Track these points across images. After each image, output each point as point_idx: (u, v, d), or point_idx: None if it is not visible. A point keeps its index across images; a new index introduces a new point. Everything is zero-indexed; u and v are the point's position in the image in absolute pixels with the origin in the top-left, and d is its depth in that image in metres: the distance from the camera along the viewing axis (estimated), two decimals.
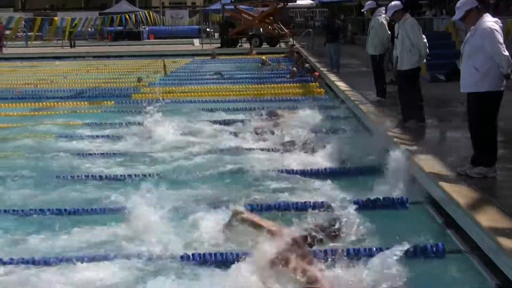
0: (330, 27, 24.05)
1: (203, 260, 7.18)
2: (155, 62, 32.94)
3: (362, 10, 21.27)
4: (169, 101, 18.02)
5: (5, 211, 9.09)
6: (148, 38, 54.51)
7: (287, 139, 13.13)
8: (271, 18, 42.63)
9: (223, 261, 7.10)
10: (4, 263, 7.20)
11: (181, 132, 14.31)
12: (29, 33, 49.83)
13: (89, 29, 46.73)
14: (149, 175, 10.92)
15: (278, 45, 41.21)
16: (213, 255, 7.23)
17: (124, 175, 10.92)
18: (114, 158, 12.47)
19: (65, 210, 9.03)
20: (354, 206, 8.13)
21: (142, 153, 12.80)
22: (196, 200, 9.35)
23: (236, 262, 6.79)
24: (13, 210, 9.10)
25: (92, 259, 7.24)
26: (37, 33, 48.71)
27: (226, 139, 13.74)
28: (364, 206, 8.67)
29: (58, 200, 9.64)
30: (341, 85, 19.53)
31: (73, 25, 45.31)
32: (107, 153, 12.82)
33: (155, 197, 8.66)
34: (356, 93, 17.54)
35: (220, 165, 11.54)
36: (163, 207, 8.42)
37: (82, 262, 7.11)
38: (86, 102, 19.83)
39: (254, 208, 8.72)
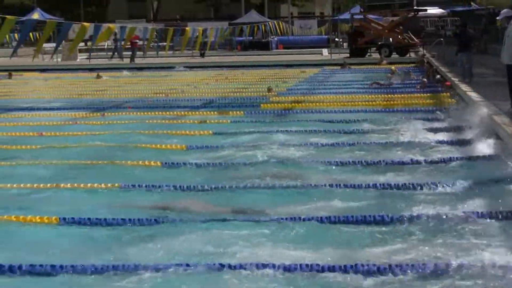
0: (462, 36, 23.44)
1: None
2: (283, 71, 33.10)
3: (497, 18, 20.59)
4: (299, 111, 17.97)
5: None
6: (277, 48, 54.76)
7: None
8: (400, 27, 42.06)
9: None
10: None
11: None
12: (160, 43, 51.14)
13: (216, 39, 47.32)
14: None
15: (408, 55, 40.54)
16: None
17: None
18: None
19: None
20: None
21: None
22: None
23: None
24: None
25: None
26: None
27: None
28: None
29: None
30: (474, 95, 18.92)
31: (204, 35, 46.06)
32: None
33: None
34: (490, 103, 16.93)
35: None
36: None
37: None
38: (215, 112, 20.04)
39: None
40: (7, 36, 49.53)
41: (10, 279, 7.20)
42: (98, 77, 33.10)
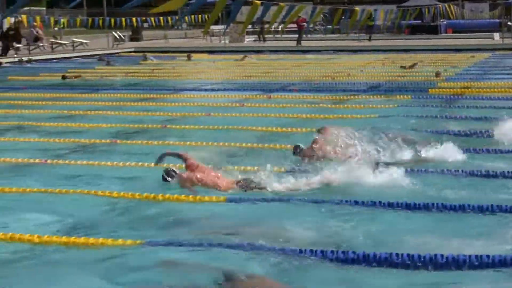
0: None
1: None
2: (452, 56, 32.16)
3: None
4: (468, 97, 17.31)
5: None
6: (446, 32, 53.33)
7: None
8: None
9: None
10: None
11: None
12: (325, 26, 51.14)
13: (385, 22, 46.63)
14: None
15: None
16: None
17: None
18: None
19: None
20: None
21: None
22: None
23: None
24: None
25: None
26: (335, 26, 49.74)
27: None
28: None
29: None
30: None
31: (372, 18, 45.52)
32: None
33: None
34: None
35: None
36: None
37: None
38: (382, 96, 19.68)
39: None
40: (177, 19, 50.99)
41: None
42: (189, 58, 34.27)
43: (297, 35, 44.99)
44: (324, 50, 38.61)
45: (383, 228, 8.12)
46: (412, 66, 26.71)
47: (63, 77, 25.85)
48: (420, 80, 22.90)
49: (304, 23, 43.17)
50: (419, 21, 54.37)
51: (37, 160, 11.63)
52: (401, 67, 27.05)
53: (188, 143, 12.82)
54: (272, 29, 49.46)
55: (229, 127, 14.56)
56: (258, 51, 38.95)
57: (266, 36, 49.37)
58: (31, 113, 17.58)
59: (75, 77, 26.16)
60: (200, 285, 6.47)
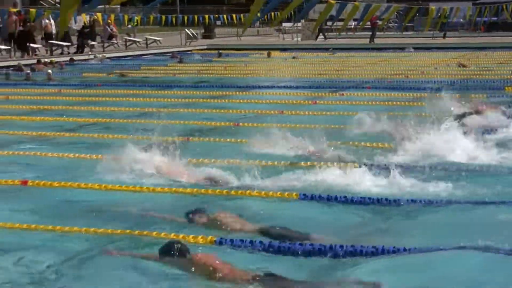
0: None
1: None
2: None
3: None
4: None
5: None
6: None
7: None
8: None
9: None
10: None
11: None
12: (398, 23, 50.52)
13: (461, 20, 45.87)
14: None
15: None
16: None
17: None
18: None
19: None
20: None
21: None
22: None
23: None
24: None
25: None
26: (408, 24, 49.13)
27: None
28: None
29: None
30: None
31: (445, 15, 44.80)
32: None
33: None
34: None
35: None
36: None
37: None
38: (456, 94, 19.29)
39: None
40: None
41: None
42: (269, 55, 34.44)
43: (370, 33, 44.59)
44: (398, 48, 38.16)
45: None
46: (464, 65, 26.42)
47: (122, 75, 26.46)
48: (496, 79, 22.43)
49: (378, 21, 42.69)
50: (495, 18, 53.25)
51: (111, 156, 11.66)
52: (460, 65, 26.60)
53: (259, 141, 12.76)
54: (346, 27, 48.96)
55: (301, 125, 14.46)
56: (333, 49, 38.70)
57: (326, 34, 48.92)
58: (105, 110, 17.82)
59: (123, 75, 26.78)
60: None
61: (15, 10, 33.81)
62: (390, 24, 54.59)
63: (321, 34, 48.24)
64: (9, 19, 33.17)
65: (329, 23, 46.46)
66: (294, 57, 33.71)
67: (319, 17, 24.88)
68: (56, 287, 6.77)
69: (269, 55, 34.70)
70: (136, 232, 7.93)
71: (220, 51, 36.49)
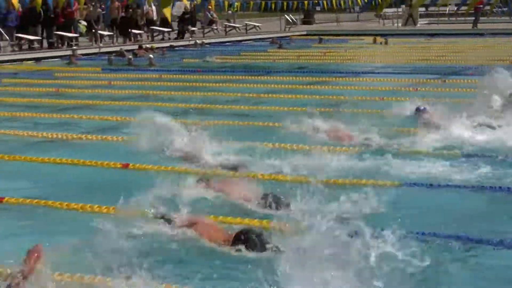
0: None
1: None
2: None
3: None
4: None
5: None
6: None
7: None
8: None
9: None
10: None
11: None
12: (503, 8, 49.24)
13: None
14: None
15: None
16: None
17: None
18: None
19: None
20: None
21: None
22: None
23: None
24: None
25: None
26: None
27: None
28: None
29: None
30: None
31: None
32: None
33: None
34: None
35: None
36: None
37: None
38: None
39: None
40: (350, 2, 50.66)
41: None
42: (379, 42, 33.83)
43: (473, 18, 43.50)
44: (503, 33, 37.11)
45: None
46: None
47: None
48: None
49: (481, 5, 41.67)
50: None
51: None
52: None
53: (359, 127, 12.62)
54: (447, 12, 48.09)
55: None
56: (432, 34, 37.98)
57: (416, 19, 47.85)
58: (206, 96, 17.98)
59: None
60: None
61: None
62: (494, 9, 53.20)
63: (410, 19, 47.36)
64: (112, 5, 33.90)
65: (430, 8, 45.71)
66: (381, 43, 33.34)
67: (417, 2, 24.44)
68: None
69: (374, 41, 34.25)
70: None
71: (321, 37, 36.29)
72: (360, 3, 54.47)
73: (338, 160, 10.28)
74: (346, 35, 40.07)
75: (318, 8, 50.67)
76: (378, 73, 22.10)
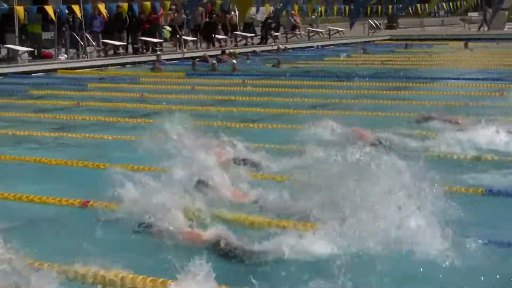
0: None
1: None
2: None
3: None
4: None
5: None
6: None
7: None
8: None
9: None
10: None
11: None
12: None
13: None
14: None
15: None
16: None
17: None
18: None
19: None
20: None
21: None
22: None
23: None
24: None
25: None
26: None
27: None
28: None
29: None
30: None
31: None
32: None
33: None
34: None
35: None
36: None
37: None
38: None
39: None
40: (435, 6, 49.99)
41: None
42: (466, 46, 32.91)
43: None
44: None
45: None
46: None
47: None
48: None
49: None
50: None
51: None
52: None
53: None
54: None
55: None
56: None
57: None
58: (291, 101, 17.95)
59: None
60: None
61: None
62: None
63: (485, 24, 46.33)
64: (196, 11, 34.29)
65: None
66: (466, 48, 32.73)
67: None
68: None
69: (466, 46, 33.56)
70: None
71: (407, 42, 35.89)
72: (445, 8, 53.70)
73: None
74: (430, 39, 39.53)
75: (402, 14, 50.15)
76: (463, 78, 21.77)
